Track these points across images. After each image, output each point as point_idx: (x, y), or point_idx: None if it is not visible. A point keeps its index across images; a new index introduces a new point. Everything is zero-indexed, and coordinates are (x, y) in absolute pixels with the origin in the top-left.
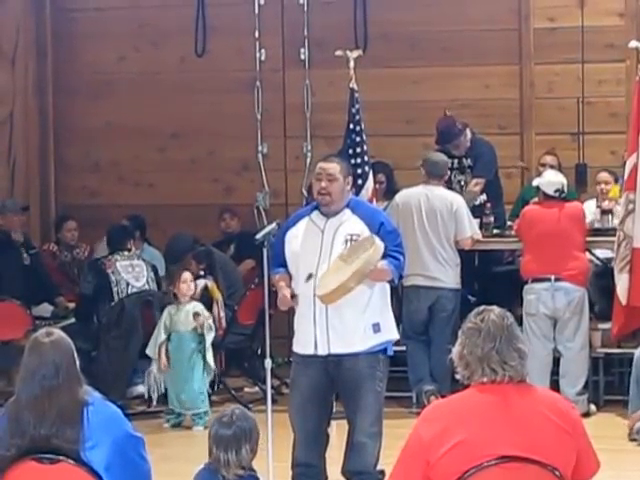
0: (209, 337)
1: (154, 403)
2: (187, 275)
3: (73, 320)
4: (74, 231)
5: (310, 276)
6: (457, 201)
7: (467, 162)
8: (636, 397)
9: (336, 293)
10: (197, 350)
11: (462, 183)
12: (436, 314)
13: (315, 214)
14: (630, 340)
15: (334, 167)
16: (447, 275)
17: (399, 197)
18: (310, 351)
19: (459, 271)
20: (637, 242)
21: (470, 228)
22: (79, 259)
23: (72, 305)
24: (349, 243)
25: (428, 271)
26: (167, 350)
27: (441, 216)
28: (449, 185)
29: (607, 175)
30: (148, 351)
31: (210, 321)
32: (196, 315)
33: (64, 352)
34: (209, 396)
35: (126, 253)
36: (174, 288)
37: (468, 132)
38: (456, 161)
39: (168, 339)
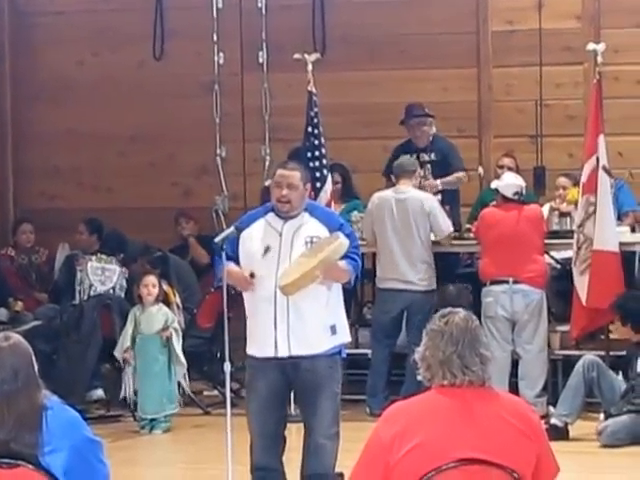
0: (178, 343)
1: (131, 406)
2: (149, 279)
3: (32, 324)
4: (29, 234)
5: (267, 249)
6: (429, 201)
7: (427, 157)
8: (569, 400)
9: (299, 281)
10: (163, 352)
11: (419, 177)
12: (412, 317)
13: (271, 216)
14: (588, 342)
15: (295, 175)
16: (421, 277)
17: (372, 203)
18: (270, 353)
19: (433, 273)
20: (597, 244)
21: (445, 225)
22: (37, 263)
23: (20, 304)
24: (309, 245)
25: (402, 275)
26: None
27: (414, 218)
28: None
29: (566, 180)
30: (116, 353)
31: (176, 324)
32: (162, 331)
33: (22, 356)
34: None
35: (103, 257)
36: (137, 290)
37: (434, 127)
38: (415, 156)
39: (134, 341)
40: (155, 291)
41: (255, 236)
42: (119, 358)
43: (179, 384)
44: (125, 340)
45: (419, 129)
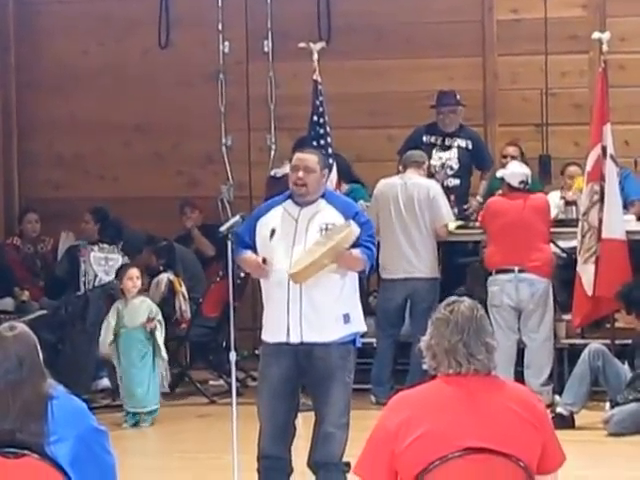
0: (160, 336)
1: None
2: (133, 271)
3: (38, 313)
4: (35, 223)
5: (273, 232)
6: (434, 188)
7: (454, 142)
8: (574, 389)
9: (309, 270)
10: (146, 346)
11: (443, 160)
12: (416, 306)
13: (288, 203)
14: (594, 331)
15: (312, 159)
16: (425, 265)
17: (377, 189)
18: (282, 339)
19: (436, 261)
20: (606, 233)
21: (447, 213)
22: (42, 253)
23: (27, 294)
24: (323, 232)
25: (406, 262)
26: (117, 345)
27: (419, 204)
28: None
29: (577, 169)
30: (100, 348)
31: (160, 317)
32: (147, 322)
33: (27, 346)
34: (172, 390)
35: (105, 246)
36: (121, 283)
37: (461, 116)
38: (440, 139)
39: (117, 335)
40: (139, 283)
41: (271, 223)
42: (103, 352)
43: (177, 380)
44: (107, 335)
45: (448, 117)
